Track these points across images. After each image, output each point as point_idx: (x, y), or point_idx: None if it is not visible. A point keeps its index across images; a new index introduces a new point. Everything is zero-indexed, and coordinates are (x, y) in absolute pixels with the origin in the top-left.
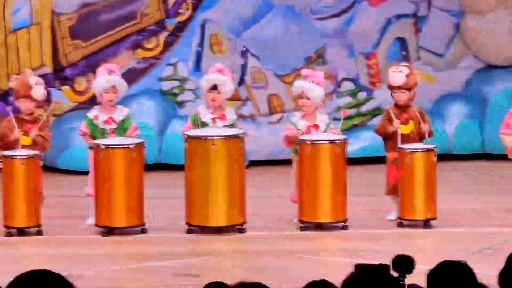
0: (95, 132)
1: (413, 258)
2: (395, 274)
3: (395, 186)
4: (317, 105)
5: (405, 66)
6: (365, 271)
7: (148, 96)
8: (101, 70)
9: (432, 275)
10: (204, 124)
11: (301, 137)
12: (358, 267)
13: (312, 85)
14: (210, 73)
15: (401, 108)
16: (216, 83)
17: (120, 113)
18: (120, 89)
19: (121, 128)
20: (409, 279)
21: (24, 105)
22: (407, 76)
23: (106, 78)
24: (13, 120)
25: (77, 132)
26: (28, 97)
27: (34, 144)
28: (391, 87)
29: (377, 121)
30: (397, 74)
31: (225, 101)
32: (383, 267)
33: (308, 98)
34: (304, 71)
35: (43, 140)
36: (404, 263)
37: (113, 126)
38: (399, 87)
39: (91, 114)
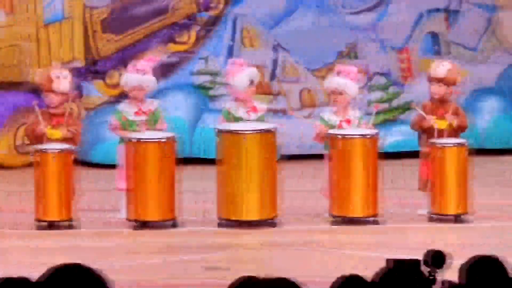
0: (125, 124)
1: (444, 253)
2: (426, 269)
3: (428, 181)
4: (349, 100)
5: (449, 62)
6: (397, 266)
7: (180, 90)
8: (130, 66)
9: (464, 270)
10: (238, 119)
11: (332, 132)
12: (390, 262)
13: (346, 81)
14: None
15: (438, 102)
16: (253, 78)
17: (149, 105)
18: (148, 87)
19: (152, 120)
20: (440, 275)
21: (48, 98)
22: (448, 70)
23: (132, 77)
24: (39, 114)
25: (108, 127)
26: (51, 90)
27: (64, 139)
28: (430, 79)
29: (408, 115)
30: (439, 67)
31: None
32: (414, 262)
33: (341, 94)
34: (338, 67)
35: (73, 135)
36: (436, 258)
37: (143, 118)
38: (438, 80)
39: (121, 107)
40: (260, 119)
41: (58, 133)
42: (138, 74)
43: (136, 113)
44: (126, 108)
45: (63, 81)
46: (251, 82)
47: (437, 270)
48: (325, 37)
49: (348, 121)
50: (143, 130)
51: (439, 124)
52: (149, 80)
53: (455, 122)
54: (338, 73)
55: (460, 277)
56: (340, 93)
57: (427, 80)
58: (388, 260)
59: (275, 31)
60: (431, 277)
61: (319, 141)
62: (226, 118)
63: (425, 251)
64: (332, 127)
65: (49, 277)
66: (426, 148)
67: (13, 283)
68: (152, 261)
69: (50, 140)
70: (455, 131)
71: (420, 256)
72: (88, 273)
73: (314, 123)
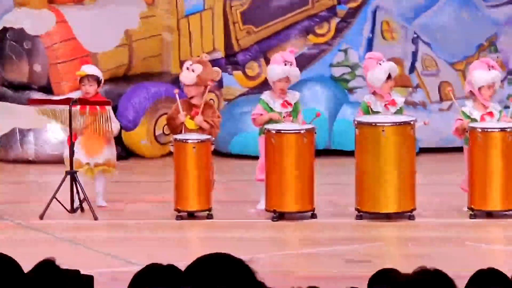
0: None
1: None
2: None
3: None
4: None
5: None
6: None
7: (319, 82)
8: (277, 57)
9: None
10: (376, 113)
11: (472, 125)
12: None
13: (499, 74)
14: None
15: None
16: (391, 72)
17: (292, 96)
18: (293, 79)
19: (294, 111)
20: None
21: (185, 88)
22: None
23: (282, 68)
24: (179, 103)
25: (251, 117)
26: (182, 81)
27: (200, 129)
28: None
29: None
30: None
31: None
32: None
33: (494, 87)
34: (488, 60)
35: (209, 126)
36: None
37: (289, 109)
38: None
39: (265, 97)
40: (398, 112)
41: (193, 123)
42: (286, 65)
43: (282, 105)
44: (271, 99)
45: (189, 73)
46: (389, 76)
47: None
48: (465, 30)
49: (491, 114)
50: (288, 121)
51: None
52: (296, 72)
53: None
54: (492, 67)
55: None
56: (494, 87)
57: None
58: None
59: (415, 24)
60: None
61: (458, 135)
62: (364, 111)
63: None
64: (474, 120)
65: (199, 266)
66: None
67: (162, 270)
68: (290, 252)
69: (188, 130)
70: None
71: None
72: (237, 264)
73: (455, 117)
